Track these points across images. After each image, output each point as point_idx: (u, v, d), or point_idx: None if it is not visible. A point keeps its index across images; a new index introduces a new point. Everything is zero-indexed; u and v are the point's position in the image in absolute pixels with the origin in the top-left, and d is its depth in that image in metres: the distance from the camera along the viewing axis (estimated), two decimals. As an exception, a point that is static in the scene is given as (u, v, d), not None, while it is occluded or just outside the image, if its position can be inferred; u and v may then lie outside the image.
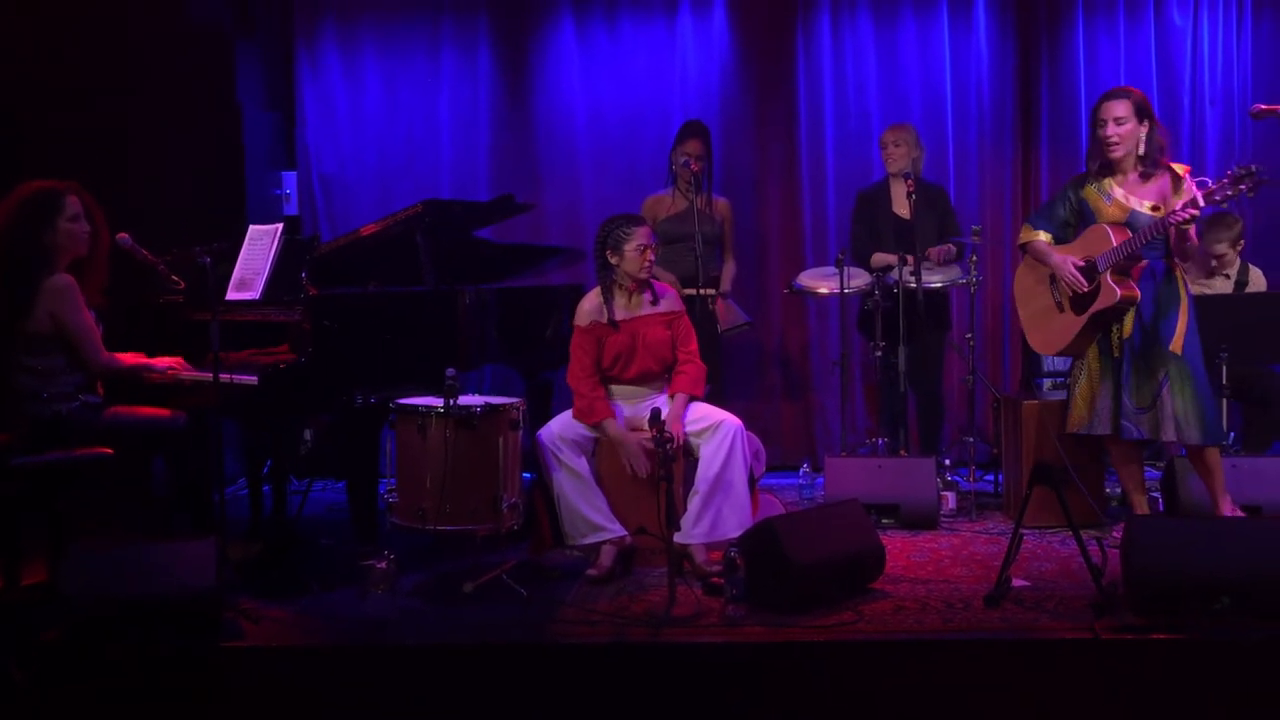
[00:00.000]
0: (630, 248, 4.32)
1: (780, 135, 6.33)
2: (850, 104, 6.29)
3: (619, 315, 4.39)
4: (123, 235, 4.25)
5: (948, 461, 5.57)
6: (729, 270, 5.64)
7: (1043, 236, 4.51)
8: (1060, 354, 4.63)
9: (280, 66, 6.39)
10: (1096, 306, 4.32)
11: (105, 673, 3.38)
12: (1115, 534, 4.38)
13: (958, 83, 6.26)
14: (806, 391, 6.39)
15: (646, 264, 4.35)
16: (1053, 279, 4.50)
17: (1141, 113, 4.30)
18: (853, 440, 5.94)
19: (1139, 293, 4.30)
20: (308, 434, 5.39)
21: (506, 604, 3.85)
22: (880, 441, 5.58)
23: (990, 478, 5.57)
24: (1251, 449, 5.13)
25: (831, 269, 5.38)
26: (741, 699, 3.38)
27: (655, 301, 4.44)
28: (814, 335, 6.36)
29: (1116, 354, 4.36)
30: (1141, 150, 4.31)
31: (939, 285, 5.34)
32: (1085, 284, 4.34)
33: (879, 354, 5.34)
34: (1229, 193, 3.99)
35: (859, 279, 5.35)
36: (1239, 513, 4.31)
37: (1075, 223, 4.46)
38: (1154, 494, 5.16)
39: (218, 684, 3.42)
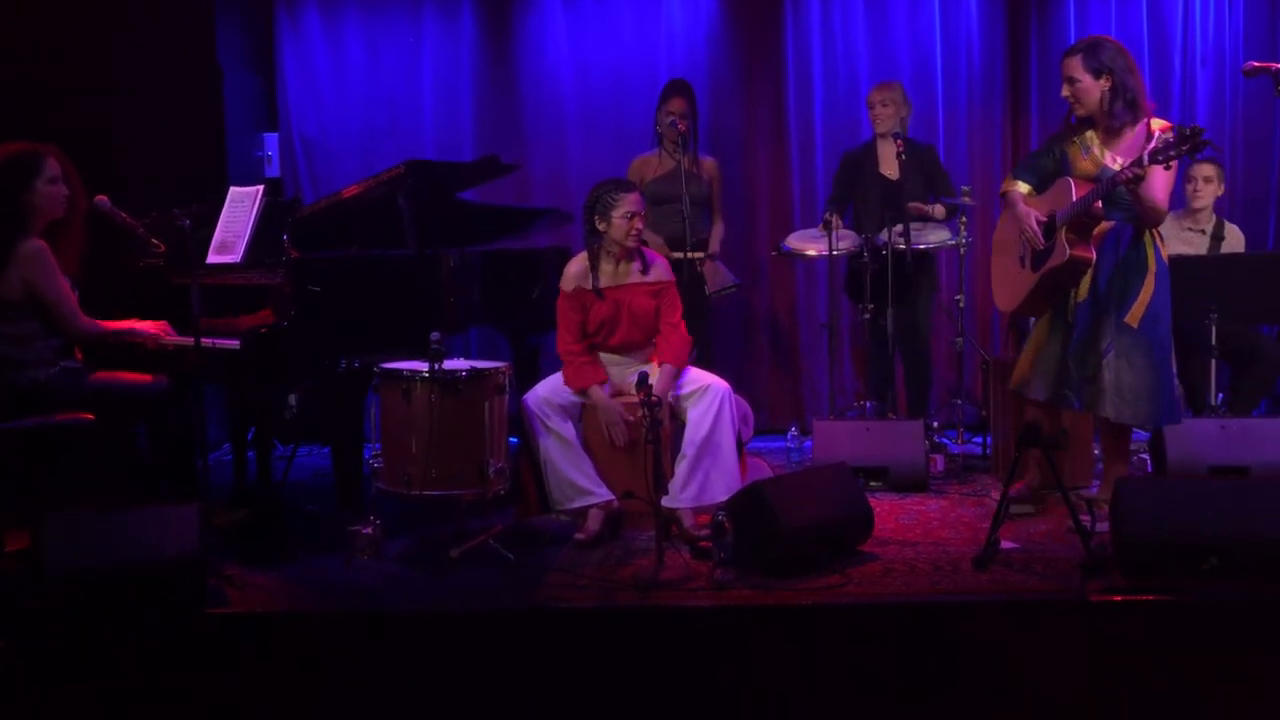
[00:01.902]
0: (618, 214, 4.26)
1: (768, 96, 6.27)
2: (839, 65, 6.23)
3: (604, 283, 4.35)
4: (101, 198, 4.18)
5: (936, 424, 5.56)
6: (717, 231, 5.60)
7: (1021, 187, 4.30)
8: (1014, 312, 4.42)
9: (261, 27, 6.29)
10: (1048, 265, 4.15)
11: (88, 640, 3.36)
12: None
13: (947, 43, 6.20)
14: (794, 355, 6.37)
15: (634, 231, 4.29)
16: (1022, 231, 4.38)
17: (1098, 67, 4.08)
18: (841, 403, 5.93)
19: (1094, 255, 4.10)
20: (292, 399, 5.34)
21: (493, 569, 3.84)
22: (868, 405, 5.57)
23: (979, 440, 5.57)
24: (1239, 410, 5.12)
25: (820, 230, 5.34)
26: (730, 662, 3.38)
27: (645, 270, 4.39)
28: (802, 298, 6.33)
29: (1070, 318, 4.18)
30: (1105, 105, 4.11)
31: (928, 247, 5.31)
32: (1042, 240, 4.15)
33: (867, 316, 5.31)
34: (1172, 153, 3.81)
35: (847, 241, 5.31)
36: (1090, 496, 4.26)
37: (1058, 174, 4.27)
38: (1141, 455, 5.17)
39: (202, 651, 3.40)
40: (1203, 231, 5.37)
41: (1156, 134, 3.97)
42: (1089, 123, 4.22)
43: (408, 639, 3.43)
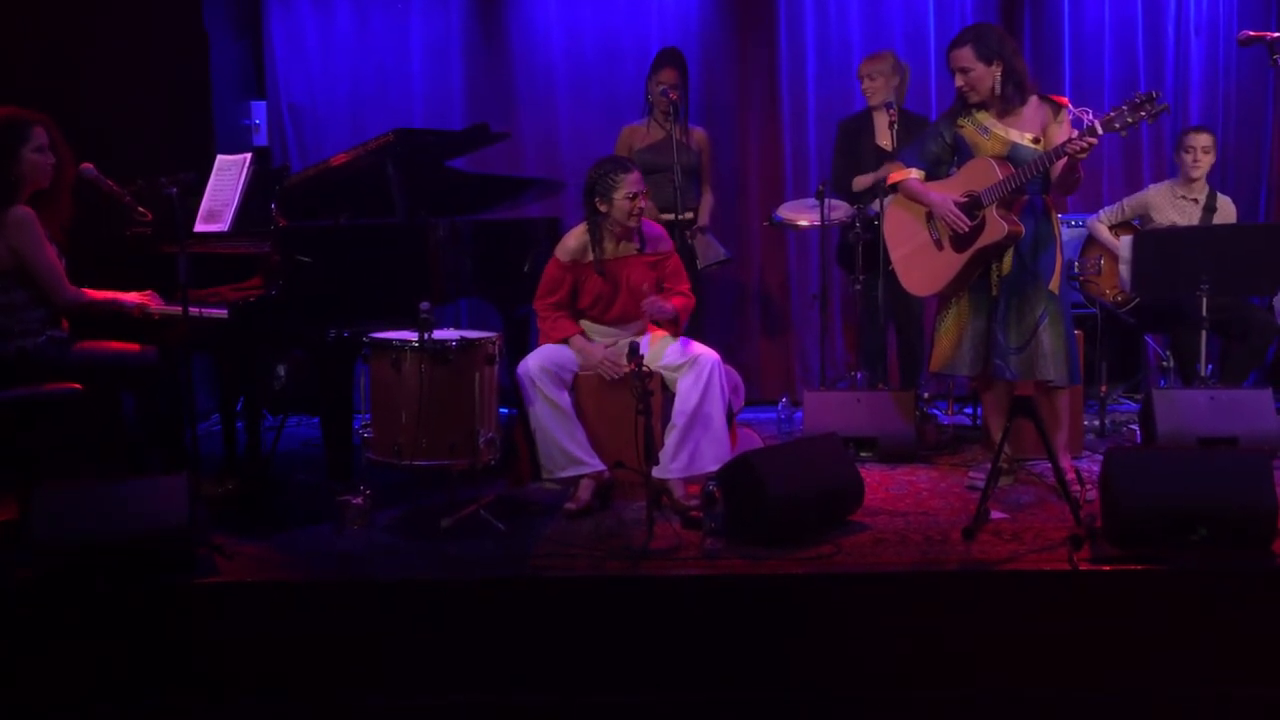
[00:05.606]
0: (619, 196, 4.25)
1: (761, 65, 6.23)
2: (832, 34, 6.19)
3: (604, 258, 4.34)
4: (86, 165, 4.14)
5: (926, 395, 5.56)
6: (707, 202, 5.57)
7: (917, 174, 4.34)
8: (939, 294, 4.40)
9: (247, -8, 6.25)
10: (981, 242, 4.16)
11: (78, 611, 3.35)
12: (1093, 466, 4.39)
13: (941, 11, 6.16)
14: (786, 326, 6.36)
15: (636, 211, 4.29)
16: (929, 216, 4.35)
17: (988, 54, 4.13)
18: (832, 374, 5.92)
19: (1023, 228, 4.15)
20: (281, 369, 5.33)
21: (484, 538, 3.83)
22: (859, 375, 5.56)
23: (969, 411, 5.58)
24: (1229, 381, 5.14)
25: (812, 201, 5.31)
26: (720, 631, 3.39)
27: (643, 245, 4.40)
28: (794, 269, 6.31)
29: (994, 292, 4.22)
30: (998, 90, 4.15)
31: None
32: (968, 222, 4.17)
33: (859, 287, 5.30)
34: (1129, 119, 3.84)
35: (840, 211, 5.29)
36: (1079, 465, 4.26)
37: (949, 159, 4.33)
38: (1131, 426, 5.19)
39: (192, 620, 3.40)
40: (1195, 201, 5.37)
41: (1069, 106, 4.12)
42: (976, 106, 4.25)
43: (399, 608, 3.43)
